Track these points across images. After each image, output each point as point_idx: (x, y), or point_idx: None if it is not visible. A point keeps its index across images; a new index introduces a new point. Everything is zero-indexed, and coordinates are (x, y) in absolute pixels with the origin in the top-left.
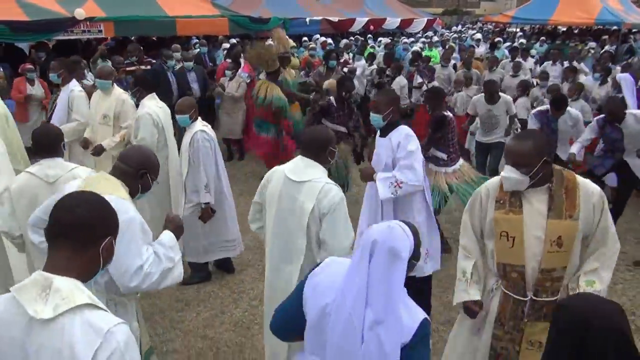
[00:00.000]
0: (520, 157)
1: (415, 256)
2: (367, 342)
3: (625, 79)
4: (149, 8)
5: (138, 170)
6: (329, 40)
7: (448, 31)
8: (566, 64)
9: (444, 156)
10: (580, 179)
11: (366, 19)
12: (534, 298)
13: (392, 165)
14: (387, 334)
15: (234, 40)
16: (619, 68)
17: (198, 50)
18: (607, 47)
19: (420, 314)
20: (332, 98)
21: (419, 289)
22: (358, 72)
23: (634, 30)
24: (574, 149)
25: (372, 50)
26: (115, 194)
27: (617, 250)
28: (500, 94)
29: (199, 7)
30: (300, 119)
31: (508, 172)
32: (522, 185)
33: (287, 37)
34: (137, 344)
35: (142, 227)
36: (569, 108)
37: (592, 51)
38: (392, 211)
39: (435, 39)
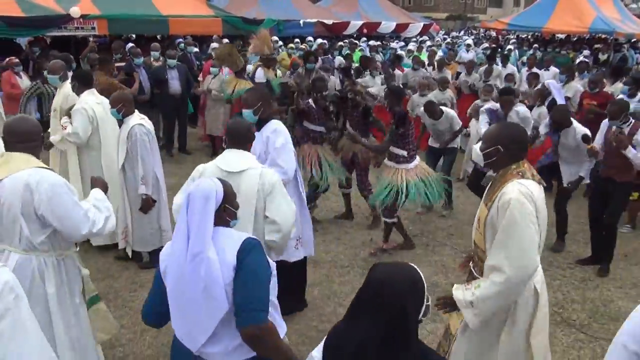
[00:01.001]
0: (485, 136)
1: (227, 201)
2: (193, 271)
3: (554, 85)
4: (144, 7)
5: (32, 140)
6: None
7: (446, 36)
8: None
9: (404, 153)
10: (514, 181)
11: (360, 22)
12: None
13: (265, 159)
14: (209, 261)
15: (226, 40)
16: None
17: (183, 49)
18: (599, 56)
19: (243, 235)
20: (311, 101)
21: (290, 274)
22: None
23: (633, 40)
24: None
25: (360, 52)
26: (35, 165)
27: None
28: (445, 109)
29: (193, 7)
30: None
31: (476, 145)
32: (480, 160)
33: (270, 39)
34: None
35: (67, 186)
36: (517, 107)
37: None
38: None
39: (428, 43)
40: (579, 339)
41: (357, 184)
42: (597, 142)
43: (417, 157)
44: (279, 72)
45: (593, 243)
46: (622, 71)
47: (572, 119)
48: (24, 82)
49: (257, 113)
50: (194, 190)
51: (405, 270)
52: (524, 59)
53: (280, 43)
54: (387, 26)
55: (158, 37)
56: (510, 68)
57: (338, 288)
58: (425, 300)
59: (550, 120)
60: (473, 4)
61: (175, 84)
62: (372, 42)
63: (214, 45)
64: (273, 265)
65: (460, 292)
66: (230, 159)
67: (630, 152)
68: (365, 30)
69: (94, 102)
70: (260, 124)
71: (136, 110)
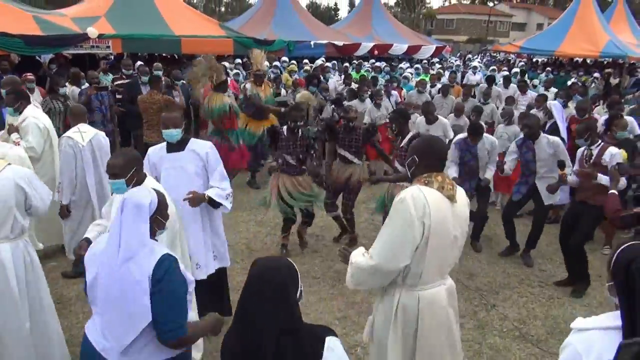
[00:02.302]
0: (409, 147)
1: (159, 211)
2: (121, 275)
3: (556, 106)
4: (158, 27)
5: None
6: (326, 63)
7: (458, 59)
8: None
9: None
10: (415, 185)
11: (372, 44)
12: None
13: (202, 174)
14: (136, 266)
15: (238, 60)
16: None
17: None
18: (611, 80)
19: (162, 250)
20: (284, 129)
21: (208, 286)
22: (331, 86)
23: None
24: (488, 174)
25: (365, 73)
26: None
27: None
28: (439, 116)
29: (205, 27)
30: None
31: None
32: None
33: (262, 57)
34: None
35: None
36: (486, 135)
37: (596, 82)
38: (207, 216)
39: (437, 65)
40: (533, 354)
41: (343, 207)
42: (575, 167)
43: None
44: (283, 91)
45: (566, 264)
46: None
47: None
48: (37, 97)
49: (183, 133)
50: (129, 197)
51: (282, 260)
52: (535, 81)
53: (289, 62)
54: (399, 48)
55: (173, 56)
56: (512, 89)
57: (305, 297)
58: (300, 285)
59: (522, 130)
60: (495, 27)
61: (177, 100)
62: (377, 63)
63: (225, 63)
64: (190, 279)
65: (357, 252)
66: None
67: (602, 179)
68: (376, 52)
69: (40, 114)
70: (183, 142)
71: (82, 124)
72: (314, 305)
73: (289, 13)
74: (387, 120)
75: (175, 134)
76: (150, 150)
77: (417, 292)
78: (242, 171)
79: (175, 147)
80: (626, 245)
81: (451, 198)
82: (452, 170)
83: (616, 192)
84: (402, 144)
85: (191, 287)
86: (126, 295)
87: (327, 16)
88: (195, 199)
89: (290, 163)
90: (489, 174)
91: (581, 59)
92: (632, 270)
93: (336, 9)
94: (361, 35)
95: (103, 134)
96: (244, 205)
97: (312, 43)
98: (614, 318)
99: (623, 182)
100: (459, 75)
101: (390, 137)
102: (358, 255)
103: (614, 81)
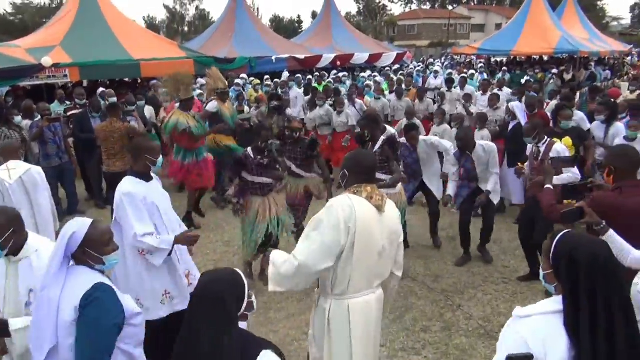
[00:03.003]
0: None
1: (88, 245)
2: (39, 304)
3: (518, 106)
4: (115, 52)
5: None
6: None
7: (420, 64)
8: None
9: (387, 177)
10: (345, 194)
11: (333, 55)
12: None
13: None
14: (47, 300)
15: (202, 80)
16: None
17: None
18: (565, 75)
19: (95, 279)
20: (249, 151)
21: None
22: (291, 96)
23: (608, 57)
24: (450, 190)
25: (328, 84)
26: None
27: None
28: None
29: (164, 49)
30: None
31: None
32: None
33: (220, 75)
34: None
35: None
36: (426, 137)
37: (554, 79)
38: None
39: (400, 72)
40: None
41: (295, 222)
42: (526, 164)
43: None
44: (246, 108)
45: (528, 260)
46: (598, 90)
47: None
48: None
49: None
50: (65, 226)
51: (227, 272)
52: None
53: (251, 80)
54: (360, 57)
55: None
56: (468, 89)
57: (274, 315)
58: (247, 297)
59: (458, 144)
60: (456, 30)
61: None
62: (339, 74)
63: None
64: (132, 311)
65: (279, 253)
66: None
67: (558, 179)
68: (338, 63)
69: None
70: None
71: (12, 161)
72: (282, 322)
73: (249, 29)
74: (349, 128)
75: (161, 161)
76: (129, 187)
77: (346, 301)
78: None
79: (150, 176)
80: (562, 234)
81: (379, 208)
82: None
83: (551, 187)
84: (374, 149)
85: (136, 320)
86: (40, 319)
87: (291, 28)
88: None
89: (263, 183)
90: (450, 188)
91: (538, 57)
92: (575, 257)
93: (299, 21)
94: (322, 47)
95: (38, 169)
96: (210, 225)
97: (273, 58)
98: (553, 303)
99: (569, 175)
100: (420, 79)
101: (347, 146)
102: (280, 256)
103: (567, 76)
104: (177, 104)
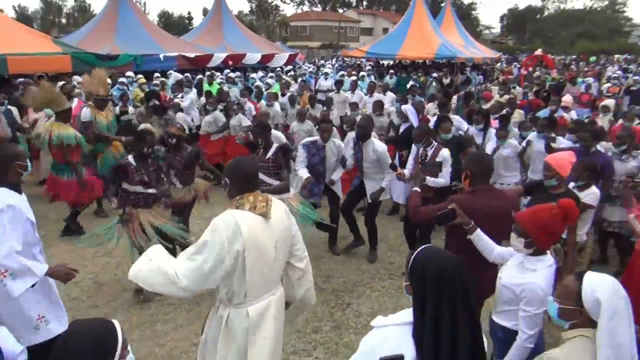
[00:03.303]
0: None
1: None
2: None
3: (410, 110)
4: None
5: None
6: (178, 76)
7: (312, 66)
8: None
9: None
10: (228, 210)
11: (224, 55)
12: None
13: None
14: None
15: (78, 78)
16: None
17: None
18: (443, 80)
19: (18, 346)
20: (130, 157)
21: None
22: (186, 103)
23: (481, 63)
24: (335, 176)
25: (220, 85)
26: None
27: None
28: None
29: (37, 44)
30: (118, 157)
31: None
32: None
33: (105, 79)
34: None
35: None
36: (334, 139)
37: (435, 82)
38: None
39: (291, 73)
40: None
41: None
42: (410, 164)
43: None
44: (131, 109)
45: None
46: (472, 95)
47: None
48: None
49: None
50: None
51: (97, 323)
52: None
53: (139, 77)
54: (252, 57)
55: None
56: (358, 95)
57: (160, 327)
58: (118, 355)
59: (357, 130)
60: (346, 32)
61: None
62: (231, 74)
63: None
64: (13, 353)
65: (163, 253)
66: None
67: (429, 181)
68: (230, 62)
69: None
70: None
71: None
72: (169, 334)
73: (134, 25)
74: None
75: (30, 166)
76: (9, 199)
77: (245, 308)
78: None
79: (21, 188)
80: (421, 249)
81: (264, 215)
82: (303, 172)
83: (419, 190)
84: (267, 156)
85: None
86: None
87: (181, 25)
88: None
89: (146, 193)
90: (336, 175)
91: (421, 61)
92: (425, 270)
93: (190, 18)
94: (213, 46)
95: None
96: None
97: (161, 56)
98: (408, 314)
99: (441, 180)
100: (312, 80)
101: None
102: (164, 260)
103: (445, 80)
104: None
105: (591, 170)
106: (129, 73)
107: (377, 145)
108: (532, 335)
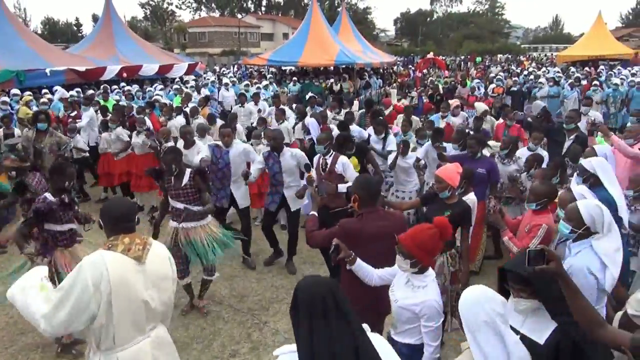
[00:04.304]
0: None
1: None
2: None
3: (312, 123)
4: None
5: None
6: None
7: (211, 74)
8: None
9: (199, 208)
10: (99, 250)
11: (119, 67)
12: None
13: None
14: None
15: None
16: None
17: None
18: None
19: None
20: (48, 196)
21: None
22: (84, 122)
23: (379, 67)
24: (252, 175)
25: (115, 100)
26: None
27: None
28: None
29: None
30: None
31: None
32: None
33: None
34: None
35: None
36: (242, 144)
37: (336, 87)
38: None
39: (191, 84)
40: None
41: None
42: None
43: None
44: (17, 131)
45: (328, 265)
46: (372, 102)
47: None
48: None
49: None
50: None
51: None
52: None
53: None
54: (150, 68)
55: None
56: (262, 105)
57: None
58: None
59: (269, 142)
60: (247, 38)
61: None
62: (128, 87)
63: None
64: None
65: (36, 281)
66: None
67: (341, 187)
68: (125, 75)
69: None
70: None
71: None
72: None
73: (13, 39)
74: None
75: None
76: None
77: (115, 354)
78: None
79: None
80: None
81: (138, 259)
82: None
83: (316, 214)
84: (183, 184)
85: None
86: None
87: (69, 32)
88: None
89: (71, 229)
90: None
91: (323, 67)
92: (299, 300)
93: (79, 24)
94: (106, 58)
95: None
96: None
97: (47, 71)
98: None
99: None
100: (215, 90)
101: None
102: (32, 295)
103: (336, 87)
104: None
105: (468, 178)
106: (14, 91)
107: (293, 151)
108: (437, 345)
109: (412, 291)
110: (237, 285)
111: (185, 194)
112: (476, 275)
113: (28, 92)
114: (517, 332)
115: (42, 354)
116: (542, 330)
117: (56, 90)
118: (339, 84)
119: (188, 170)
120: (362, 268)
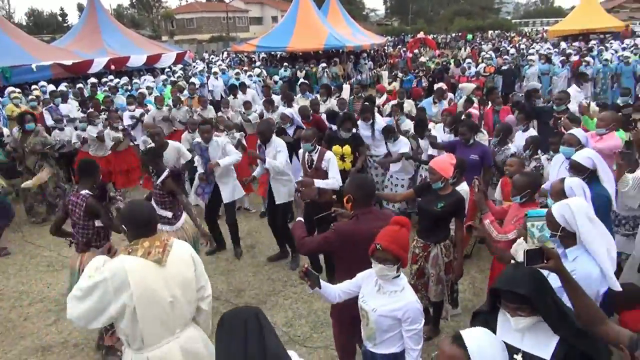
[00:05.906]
0: None
1: None
2: None
3: (293, 114)
4: None
5: None
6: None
7: (200, 62)
8: None
9: (169, 214)
10: (120, 255)
11: (106, 59)
12: None
13: None
14: None
15: None
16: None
17: None
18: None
19: None
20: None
21: None
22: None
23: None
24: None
25: (105, 94)
26: None
27: None
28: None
29: None
30: None
31: None
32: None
33: None
34: None
35: None
36: (218, 139)
37: (326, 72)
38: None
39: (180, 73)
40: (301, 353)
41: None
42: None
43: (183, 218)
44: (5, 130)
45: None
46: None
47: None
48: None
49: None
50: None
51: None
52: (275, 77)
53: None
54: (138, 59)
55: None
56: (250, 94)
57: None
58: None
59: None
60: (235, 23)
61: None
62: (115, 80)
63: None
64: None
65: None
66: None
67: (319, 183)
68: (112, 67)
69: None
70: None
71: None
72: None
73: None
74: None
75: None
76: None
77: (145, 354)
78: None
79: None
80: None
81: (159, 262)
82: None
83: (302, 220)
84: (157, 182)
85: None
86: None
87: (54, 23)
88: None
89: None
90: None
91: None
92: (223, 320)
93: (64, 14)
94: (92, 51)
95: None
96: None
97: (34, 66)
98: None
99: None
100: (204, 78)
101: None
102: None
103: (300, 74)
104: None
105: (460, 168)
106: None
107: (277, 142)
108: (420, 349)
109: (388, 297)
110: (234, 279)
111: (155, 194)
112: (468, 259)
113: (14, 88)
114: (517, 349)
115: (42, 359)
116: (545, 344)
117: (43, 86)
118: (303, 71)
119: (166, 172)
120: (325, 293)
